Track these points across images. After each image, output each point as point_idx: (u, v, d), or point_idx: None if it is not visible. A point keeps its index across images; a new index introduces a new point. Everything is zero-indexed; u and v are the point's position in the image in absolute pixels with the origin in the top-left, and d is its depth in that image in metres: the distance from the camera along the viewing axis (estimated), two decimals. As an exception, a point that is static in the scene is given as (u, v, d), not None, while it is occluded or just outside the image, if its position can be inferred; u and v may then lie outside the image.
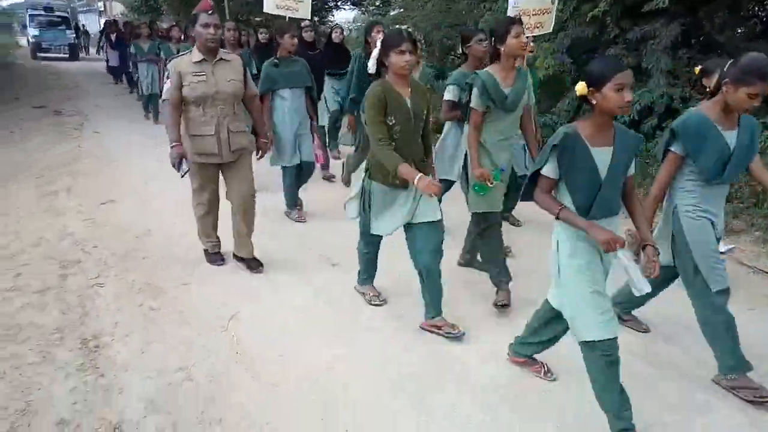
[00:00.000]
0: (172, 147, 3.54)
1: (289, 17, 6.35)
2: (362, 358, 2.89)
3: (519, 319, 2.97)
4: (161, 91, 3.76)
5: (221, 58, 3.57)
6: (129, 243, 4.36)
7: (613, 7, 5.93)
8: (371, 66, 2.93)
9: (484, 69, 3.24)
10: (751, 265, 4.01)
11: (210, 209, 3.86)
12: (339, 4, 19.46)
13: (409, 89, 2.91)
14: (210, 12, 3.47)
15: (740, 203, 4.87)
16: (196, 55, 3.52)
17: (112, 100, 11.95)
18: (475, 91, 3.16)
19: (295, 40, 4.67)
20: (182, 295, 3.56)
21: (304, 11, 6.54)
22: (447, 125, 4.06)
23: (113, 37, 12.97)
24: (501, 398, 2.59)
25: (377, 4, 15.02)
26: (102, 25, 17.76)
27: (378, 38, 3.10)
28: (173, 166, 3.57)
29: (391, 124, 2.84)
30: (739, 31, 6.44)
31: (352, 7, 19.34)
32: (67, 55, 21.17)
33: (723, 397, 2.61)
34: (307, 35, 6.38)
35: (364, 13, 15.78)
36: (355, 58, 5.20)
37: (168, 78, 3.54)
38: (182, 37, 9.05)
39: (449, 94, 3.85)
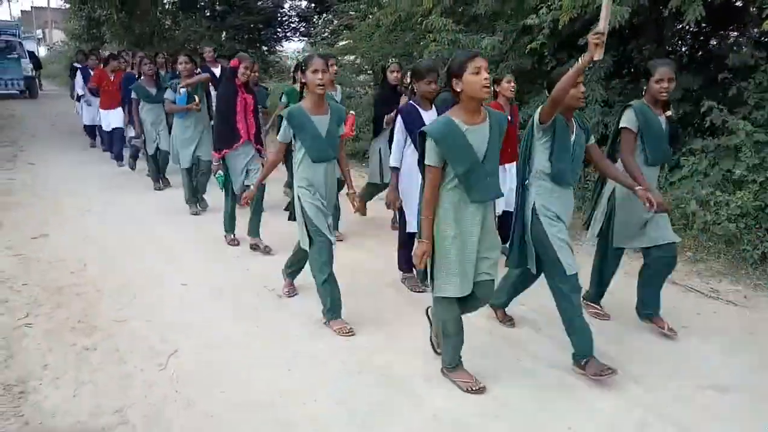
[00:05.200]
0: None
1: None
2: (309, 393, 2.82)
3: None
4: None
5: None
6: (62, 278, 4.14)
7: (550, 39, 6.19)
8: None
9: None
10: (683, 284, 4.18)
11: None
12: (288, 35, 19.63)
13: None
14: None
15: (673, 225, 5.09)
16: None
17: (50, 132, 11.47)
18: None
19: None
20: (119, 332, 3.39)
21: None
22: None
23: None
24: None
25: (325, 35, 15.16)
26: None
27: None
28: None
29: None
30: (666, 63, 6.84)
31: (301, 38, 19.52)
32: (21, 92, 17.56)
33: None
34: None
35: (313, 44, 15.87)
36: None
37: None
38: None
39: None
